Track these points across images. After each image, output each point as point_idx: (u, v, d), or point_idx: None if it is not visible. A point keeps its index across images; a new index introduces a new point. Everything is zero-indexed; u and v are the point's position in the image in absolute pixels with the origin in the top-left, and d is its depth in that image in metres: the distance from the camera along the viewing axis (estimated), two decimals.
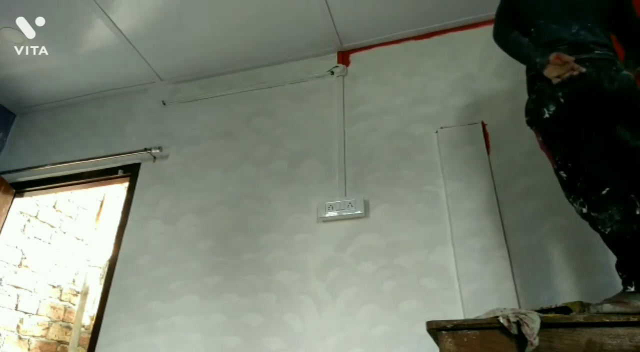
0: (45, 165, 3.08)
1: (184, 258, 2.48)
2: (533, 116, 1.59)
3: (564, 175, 1.50)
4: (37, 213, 3.60)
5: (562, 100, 1.49)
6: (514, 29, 1.73)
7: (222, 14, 2.68)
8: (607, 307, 1.23)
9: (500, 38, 1.78)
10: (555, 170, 1.55)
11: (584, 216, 1.46)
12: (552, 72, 1.50)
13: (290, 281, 2.24)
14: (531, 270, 1.94)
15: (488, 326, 1.20)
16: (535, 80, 1.61)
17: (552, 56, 1.51)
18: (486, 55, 2.51)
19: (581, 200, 1.45)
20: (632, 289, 1.30)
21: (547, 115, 1.52)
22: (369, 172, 2.41)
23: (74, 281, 3.87)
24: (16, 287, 3.36)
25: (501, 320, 1.17)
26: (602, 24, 1.63)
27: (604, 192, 1.38)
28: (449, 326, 1.23)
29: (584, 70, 1.47)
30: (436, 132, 2.39)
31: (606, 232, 1.36)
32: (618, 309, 1.21)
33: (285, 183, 2.53)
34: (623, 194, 1.38)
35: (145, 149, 2.88)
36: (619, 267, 1.37)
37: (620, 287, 1.37)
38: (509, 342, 1.16)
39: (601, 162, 1.44)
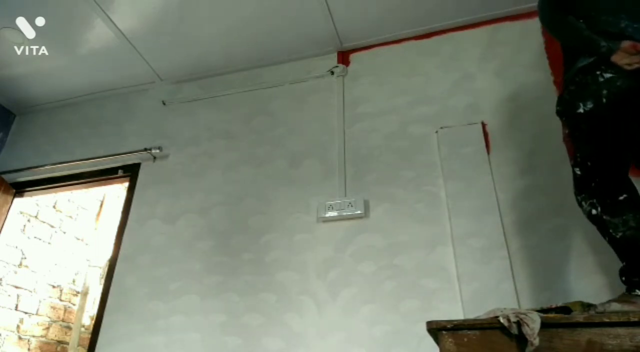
0: (45, 165, 3.08)
1: (184, 258, 2.48)
2: (566, 108, 1.52)
3: (579, 172, 1.47)
4: (37, 213, 3.59)
5: (604, 100, 1.41)
6: (567, 14, 1.61)
7: (222, 14, 2.68)
8: (616, 306, 1.23)
9: (555, 21, 1.65)
10: (571, 165, 1.52)
11: (592, 217, 1.44)
12: (622, 59, 1.41)
13: (290, 281, 2.24)
14: (531, 270, 1.94)
15: (488, 326, 1.19)
16: (581, 71, 1.49)
17: (627, 44, 1.42)
18: (486, 55, 2.50)
19: (593, 201, 1.43)
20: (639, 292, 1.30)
21: (580, 111, 1.45)
22: (369, 172, 2.41)
23: (74, 281, 3.87)
24: (16, 287, 3.36)
25: (501, 320, 1.17)
26: None
27: (621, 197, 1.38)
28: (449, 326, 1.22)
29: None
30: (436, 132, 2.39)
31: (617, 237, 1.36)
32: (626, 308, 1.21)
33: (285, 183, 2.53)
34: (639, 202, 1.38)
35: (145, 149, 2.88)
36: (625, 271, 1.37)
37: (619, 287, 1.37)
38: (509, 342, 1.16)
39: (623, 167, 1.43)
